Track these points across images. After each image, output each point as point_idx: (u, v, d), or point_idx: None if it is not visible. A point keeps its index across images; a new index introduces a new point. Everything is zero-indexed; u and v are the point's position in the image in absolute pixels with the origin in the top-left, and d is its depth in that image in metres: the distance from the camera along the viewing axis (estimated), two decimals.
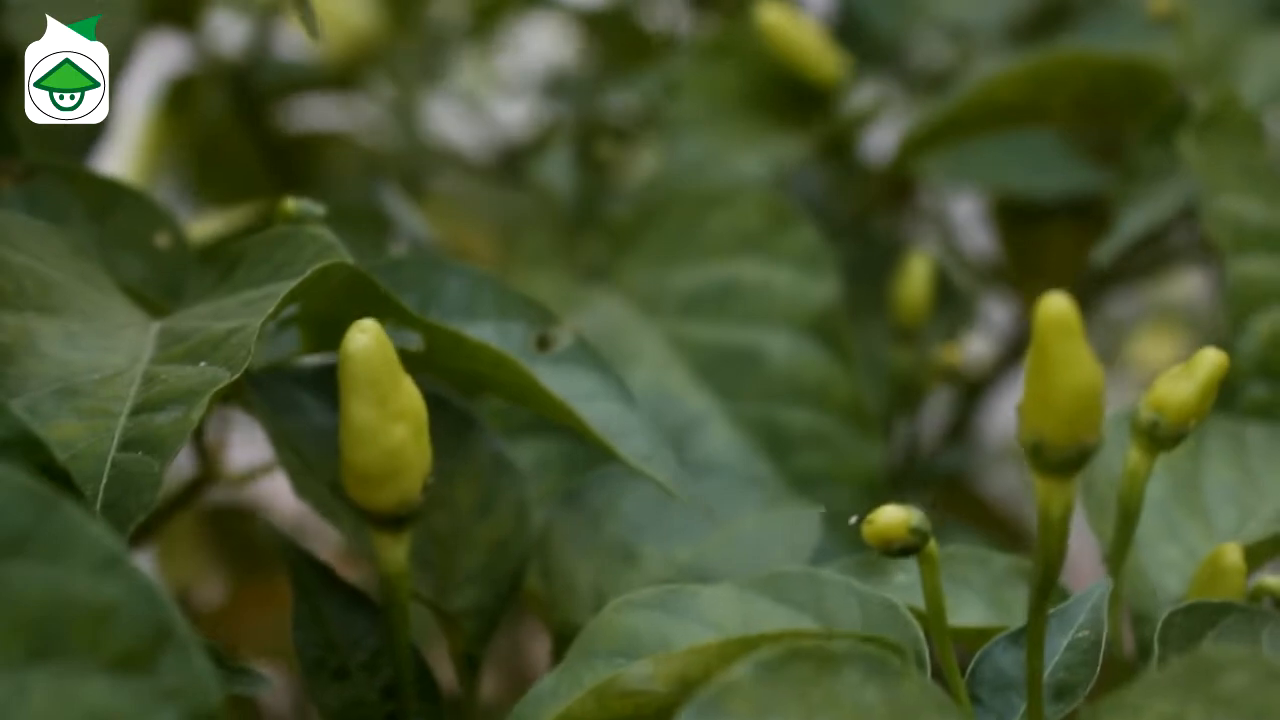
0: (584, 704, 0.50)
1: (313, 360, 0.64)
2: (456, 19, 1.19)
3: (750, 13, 0.94)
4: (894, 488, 0.85)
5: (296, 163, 1.10)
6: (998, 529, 1.05)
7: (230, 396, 0.68)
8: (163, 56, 1.06)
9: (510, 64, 1.24)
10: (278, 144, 1.09)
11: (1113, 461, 0.62)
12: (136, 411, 0.51)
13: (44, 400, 0.51)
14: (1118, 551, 0.60)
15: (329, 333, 0.57)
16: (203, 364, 0.52)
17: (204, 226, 0.97)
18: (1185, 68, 0.89)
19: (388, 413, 0.54)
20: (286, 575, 0.60)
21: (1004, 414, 0.97)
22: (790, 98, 0.97)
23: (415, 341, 0.60)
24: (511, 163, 1.11)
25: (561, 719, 0.51)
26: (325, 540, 0.88)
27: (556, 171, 0.94)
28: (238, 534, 0.96)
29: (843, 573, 0.56)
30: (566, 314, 0.67)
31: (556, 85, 1.14)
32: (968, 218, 1.18)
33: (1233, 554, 0.56)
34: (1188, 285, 1.39)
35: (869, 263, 0.92)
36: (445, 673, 0.63)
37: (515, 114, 1.18)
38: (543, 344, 0.63)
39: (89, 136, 0.78)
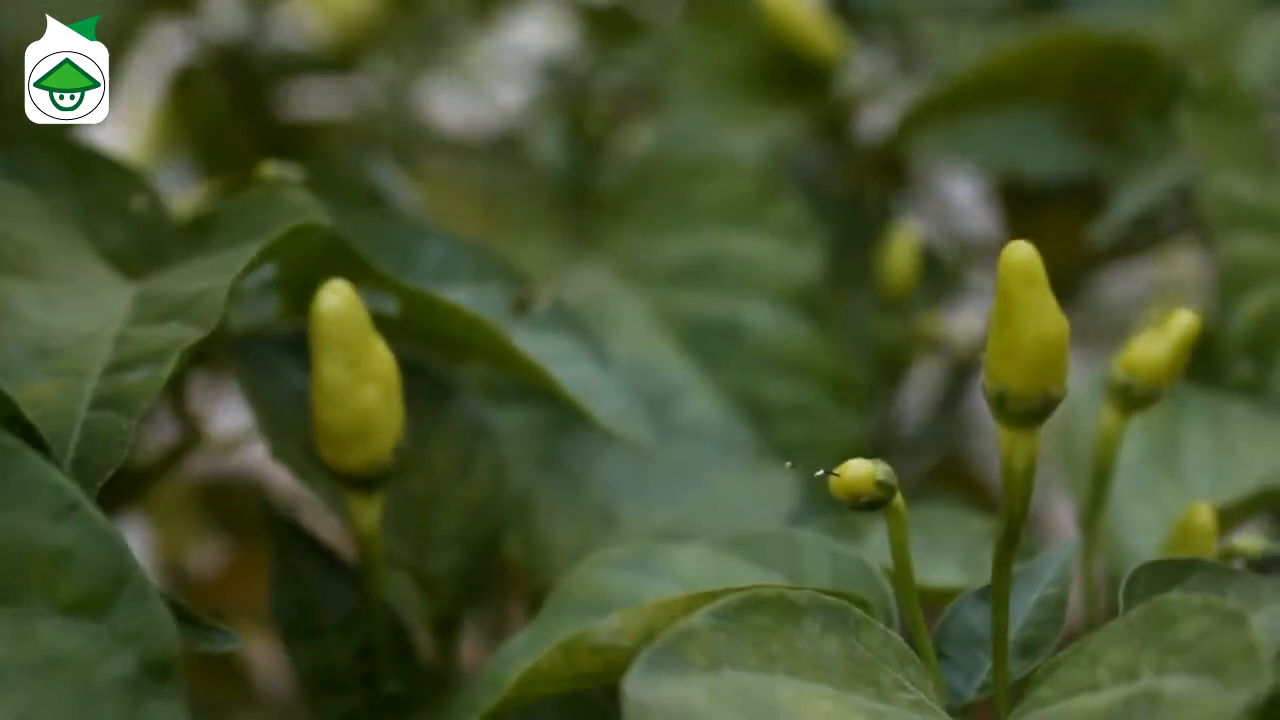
0: (552, 659, 0.50)
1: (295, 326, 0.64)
2: (456, 2, 1.19)
3: None
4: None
5: (297, 146, 1.11)
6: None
7: (212, 360, 0.69)
8: (160, 41, 1.07)
9: (507, 48, 1.24)
10: (277, 128, 1.09)
11: (1089, 425, 0.62)
12: (108, 372, 0.51)
13: (18, 361, 0.51)
14: (1092, 511, 0.60)
15: (307, 296, 0.57)
16: (173, 323, 0.52)
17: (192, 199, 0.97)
18: (1183, 45, 0.89)
19: (359, 374, 0.54)
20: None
21: None
22: (787, 74, 0.97)
23: (393, 306, 0.60)
24: (506, 144, 1.11)
25: (530, 674, 0.50)
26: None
27: (549, 144, 0.94)
28: (235, 505, 0.96)
29: (819, 534, 0.56)
30: (552, 282, 0.67)
31: (552, 70, 1.14)
32: (966, 199, 1.18)
33: (1204, 513, 0.56)
34: (1194, 263, 1.39)
35: (859, 236, 0.92)
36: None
37: (511, 97, 1.18)
38: (520, 308, 0.63)
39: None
